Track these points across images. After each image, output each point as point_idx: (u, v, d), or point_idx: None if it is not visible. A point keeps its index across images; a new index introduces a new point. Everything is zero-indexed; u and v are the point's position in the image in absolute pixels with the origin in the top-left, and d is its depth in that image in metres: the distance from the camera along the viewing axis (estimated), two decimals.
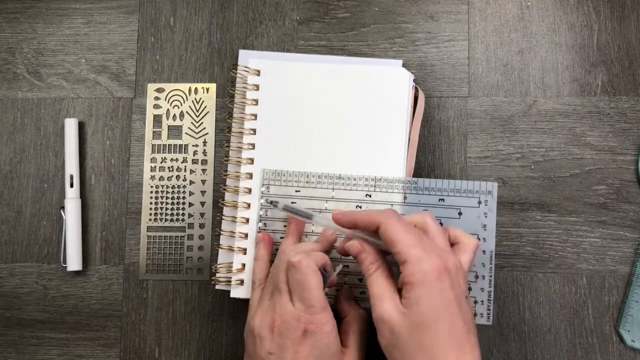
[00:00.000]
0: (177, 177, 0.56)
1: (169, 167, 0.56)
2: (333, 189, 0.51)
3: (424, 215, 0.44)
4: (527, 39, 0.55)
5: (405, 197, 0.50)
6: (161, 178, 0.56)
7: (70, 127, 0.56)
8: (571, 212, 0.53)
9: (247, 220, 0.52)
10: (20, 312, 0.56)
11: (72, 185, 0.55)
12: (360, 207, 0.50)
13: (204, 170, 0.55)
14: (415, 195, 0.50)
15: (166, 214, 0.55)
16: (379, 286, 0.41)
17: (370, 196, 0.50)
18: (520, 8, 0.55)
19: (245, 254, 0.51)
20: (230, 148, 0.53)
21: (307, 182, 0.51)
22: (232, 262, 0.52)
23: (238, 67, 0.54)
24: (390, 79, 0.52)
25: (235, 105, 0.54)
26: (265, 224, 0.51)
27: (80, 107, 0.57)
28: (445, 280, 0.39)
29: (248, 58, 0.54)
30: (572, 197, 0.53)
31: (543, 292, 0.52)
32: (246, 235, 0.52)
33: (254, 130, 0.53)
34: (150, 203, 0.55)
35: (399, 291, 0.41)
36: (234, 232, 0.52)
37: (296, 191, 0.51)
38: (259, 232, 0.51)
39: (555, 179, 0.53)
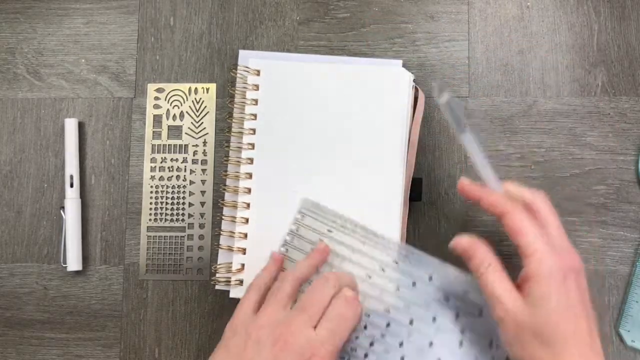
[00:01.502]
0: (177, 177, 0.56)
1: (169, 167, 0.56)
2: (364, 242, 0.49)
3: (542, 202, 0.43)
4: (527, 39, 0.55)
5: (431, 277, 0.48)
6: (161, 178, 0.56)
7: (70, 127, 0.56)
8: (571, 212, 0.53)
9: (247, 220, 0.52)
10: (20, 312, 0.56)
11: (72, 185, 0.55)
12: (384, 270, 0.48)
13: (204, 171, 0.56)
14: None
15: (166, 214, 0.55)
16: (497, 284, 0.40)
17: (397, 263, 0.48)
18: (520, 8, 0.55)
19: (244, 254, 0.51)
20: (230, 148, 0.53)
21: (341, 227, 0.49)
22: (231, 262, 0.52)
23: (238, 67, 0.54)
24: (390, 79, 0.52)
25: (235, 105, 0.54)
26: (287, 249, 0.50)
27: (80, 107, 0.57)
28: (572, 280, 0.39)
29: (248, 58, 0.54)
30: (572, 197, 0.53)
31: None
32: (245, 235, 0.52)
33: (254, 130, 0.53)
34: (150, 203, 0.55)
35: (518, 286, 0.40)
36: (234, 232, 0.52)
37: (328, 230, 0.49)
38: (279, 252, 0.49)
39: (555, 179, 0.53)
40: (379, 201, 0.50)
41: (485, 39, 0.55)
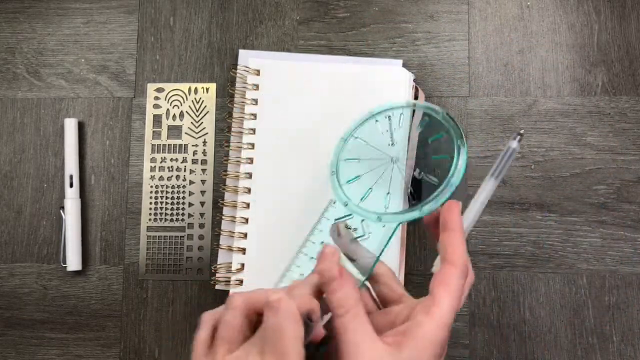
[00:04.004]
0: (177, 177, 0.56)
1: (168, 167, 0.56)
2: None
3: (471, 280, 0.38)
4: (527, 39, 0.55)
5: None
6: (161, 178, 0.56)
7: (70, 127, 0.56)
8: (571, 212, 0.53)
9: (247, 220, 0.52)
10: (20, 312, 0.56)
11: (71, 185, 0.55)
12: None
13: (203, 170, 0.55)
14: None
15: (166, 214, 0.55)
16: (356, 333, 0.33)
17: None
18: (520, 8, 0.55)
19: (244, 254, 0.51)
20: (230, 148, 0.53)
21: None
22: (231, 262, 0.52)
23: (238, 67, 0.54)
24: (390, 79, 0.52)
25: (235, 105, 0.54)
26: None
27: (80, 107, 0.57)
28: (442, 355, 0.34)
29: (248, 58, 0.54)
30: (572, 197, 0.53)
31: (543, 292, 0.52)
32: (245, 235, 0.52)
33: (254, 130, 0.53)
34: (150, 203, 0.55)
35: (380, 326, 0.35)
36: (234, 232, 0.52)
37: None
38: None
39: (555, 179, 0.53)
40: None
41: (485, 38, 0.55)
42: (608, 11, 0.54)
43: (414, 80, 0.52)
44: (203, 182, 0.55)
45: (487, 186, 0.41)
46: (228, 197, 0.53)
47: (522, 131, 0.41)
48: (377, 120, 0.46)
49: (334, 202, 0.44)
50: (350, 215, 0.43)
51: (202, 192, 0.55)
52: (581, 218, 0.52)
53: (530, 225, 0.53)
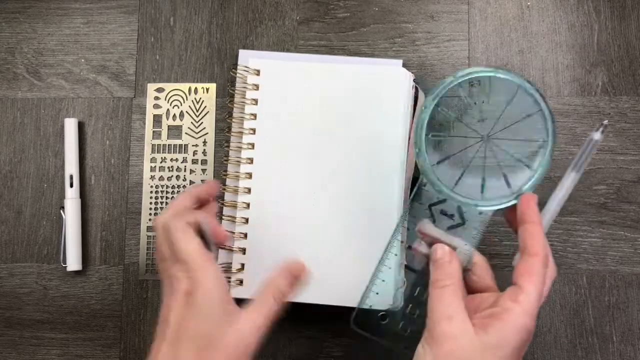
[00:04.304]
0: (177, 177, 0.56)
1: (168, 167, 0.56)
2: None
3: (553, 272, 0.39)
4: (527, 39, 0.55)
5: None
6: (161, 178, 0.56)
7: (70, 127, 0.56)
8: (571, 212, 0.53)
9: (247, 220, 0.52)
10: (20, 312, 0.56)
11: (71, 185, 0.55)
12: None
13: (203, 170, 0.55)
14: None
15: None
16: (448, 304, 0.36)
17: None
18: (520, 8, 0.55)
19: (244, 254, 0.51)
20: (230, 148, 0.53)
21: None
22: (231, 262, 0.52)
23: (238, 67, 0.54)
24: (391, 79, 0.52)
25: (235, 105, 0.54)
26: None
27: (80, 107, 0.57)
28: (525, 346, 0.36)
29: (248, 58, 0.54)
30: (572, 197, 0.53)
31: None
32: (245, 235, 0.51)
33: (254, 130, 0.53)
34: (150, 203, 0.55)
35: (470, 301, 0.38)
36: (234, 232, 0.52)
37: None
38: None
39: (555, 179, 0.53)
40: (378, 201, 0.50)
41: (485, 38, 0.55)
42: (608, 11, 0.54)
43: (414, 80, 0.52)
44: (203, 182, 0.55)
45: (567, 180, 0.41)
46: (228, 197, 0.53)
47: (605, 122, 0.40)
48: (461, 87, 0.41)
49: (424, 185, 0.41)
50: (444, 200, 0.41)
51: None
52: (581, 218, 0.52)
53: None
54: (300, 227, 0.51)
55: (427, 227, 0.41)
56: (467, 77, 0.40)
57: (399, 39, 0.56)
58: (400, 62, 0.54)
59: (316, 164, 0.52)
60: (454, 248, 0.39)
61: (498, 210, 0.40)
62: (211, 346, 0.36)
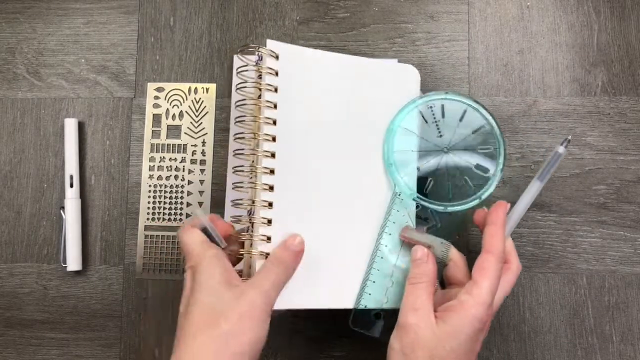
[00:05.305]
0: (176, 176, 0.56)
1: (167, 167, 0.56)
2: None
3: (517, 268, 0.44)
4: (527, 39, 0.55)
5: None
6: (159, 177, 0.56)
7: (70, 127, 0.56)
8: (571, 212, 0.53)
9: (270, 221, 0.44)
10: (20, 312, 0.56)
11: (72, 185, 0.55)
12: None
13: (202, 171, 0.55)
14: None
15: (164, 214, 0.55)
16: (417, 297, 0.42)
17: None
18: (520, 8, 0.55)
19: (266, 258, 0.48)
20: (244, 141, 0.46)
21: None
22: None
23: (259, 47, 0.46)
24: (406, 78, 0.51)
25: (248, 91, 0.46)
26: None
27: (80, 107, 0.57)
28: (482, 335, 0.41)
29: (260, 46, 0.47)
30: (572, 197, 0.53)
31: (543, 292, 0.52)
32: (269, 239, 0.45)
33: (274, 121, 0.45)
34: (148, 202, 0.55)
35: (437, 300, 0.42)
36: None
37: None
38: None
39: (555, 179, 0.53)
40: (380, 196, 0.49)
41: (485, 39, 0.55)
42: (608, 11, 0.54)
43: None
44: (201, 182, 0.55)
45: (532, 188, 0.46)
46: (238, 195, 0.46)
47: (569, 137, 0.46)
48: (420, 111, 0.49)
49: (399, 195, 0.48)
50: (418, 207, 0.48)
51: (201, 192, 0.55)
52: (581, 218, 0.52)
53: (530, 226, 0.53)
54: (329, 231, 0.47)
55: (409, 231, 0.47)
56: (423, 102, 0.49)
57: (399, 39, 0.56)
58: (395, 61, 0.53)
59: (343, 157, 0.48)
60: (429, 247, 0.45)
61: (464, 210, 0.47)
62: (222, 316, 0.39)
